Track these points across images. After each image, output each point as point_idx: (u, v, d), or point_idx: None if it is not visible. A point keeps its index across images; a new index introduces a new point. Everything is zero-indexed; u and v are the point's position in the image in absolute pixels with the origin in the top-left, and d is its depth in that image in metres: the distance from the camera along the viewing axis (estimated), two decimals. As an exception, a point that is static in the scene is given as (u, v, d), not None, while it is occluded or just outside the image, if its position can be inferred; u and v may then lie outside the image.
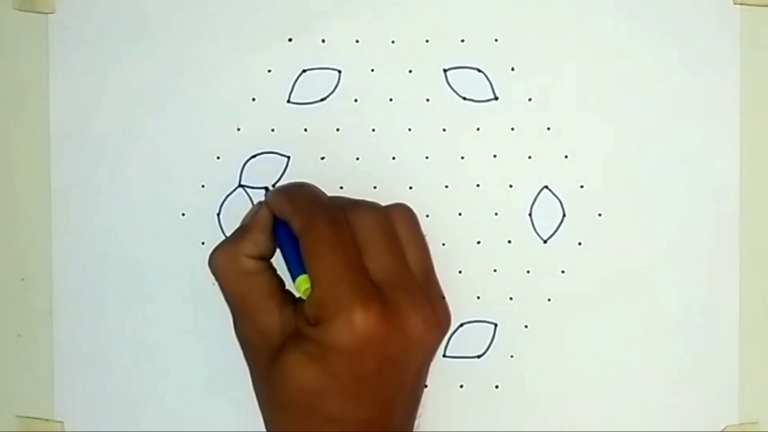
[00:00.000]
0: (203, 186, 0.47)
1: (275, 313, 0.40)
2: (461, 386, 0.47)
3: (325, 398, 0.39)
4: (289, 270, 0.41)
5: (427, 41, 0.47)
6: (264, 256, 0.42)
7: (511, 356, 0.47)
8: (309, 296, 0.39)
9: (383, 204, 0.43)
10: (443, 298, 0.43)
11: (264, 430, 0.42)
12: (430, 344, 0.40)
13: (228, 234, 0.47)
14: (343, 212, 0.41)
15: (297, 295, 0.41)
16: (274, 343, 0.40)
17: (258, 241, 0.42)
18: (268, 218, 0.42)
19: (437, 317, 0.40)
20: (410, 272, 0.40)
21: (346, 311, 0.38)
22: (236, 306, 0.41)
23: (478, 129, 0.47)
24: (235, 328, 0.42)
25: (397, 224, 0.41)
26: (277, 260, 0.42)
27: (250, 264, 0.41)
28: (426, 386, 0.43)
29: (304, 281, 0.40)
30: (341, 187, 0.47)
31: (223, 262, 0.41)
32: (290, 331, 0.40)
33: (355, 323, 0.38)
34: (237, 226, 0.46)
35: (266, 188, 0.47)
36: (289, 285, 0.42)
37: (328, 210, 0.41)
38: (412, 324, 0.39)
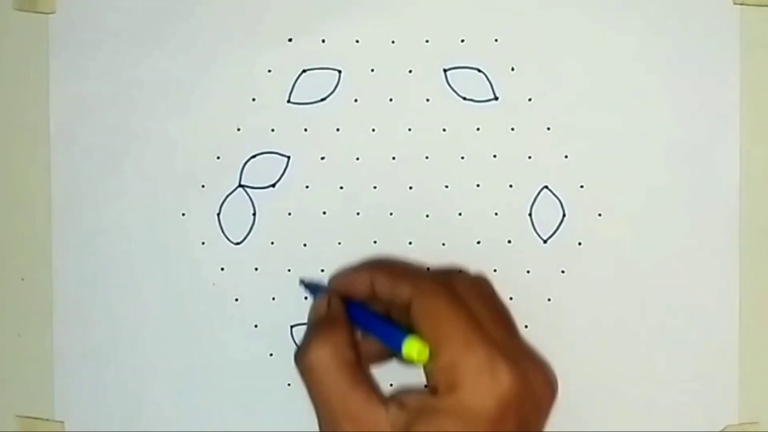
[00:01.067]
0: (203, 186, 0.47)
1: (381, 409, 0.37)
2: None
3: None
4: (389, 341, 0.39)
5: (427, 41, 0.47)
6: (356, 347, 0.39)
7: (511, 356, 0.47)
8: (433, 361, 0.37)
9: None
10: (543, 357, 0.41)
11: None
12: (551, 403, 0.39)
13: (228, 234, 0.47)
14: (445, 276, 0.40)
15: (405, 357, 0.38)
16: None
17: (351, 328, 0.40)
18: (342, 306, 0.41)
19: (554, 375, 0.39)
20: (518, 334, 0.40)
21: (491, 373, 0.36)
22: (338, 406, 0.38)
23: (478, 129, 0.47)
24: (330, 430, 0.38)
25: (488, 291, 0.41)
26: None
27: (352, 355, 0.38)
28: None
29: (415, 343, 0.37)
30: (341, 187, 0.47)
31: (324, 357, 0.38)
32: (403, 424, 0.37)
33: (502, 383, 0.36)
34: (238, 225, 0.47)
35: (304, 282, 0.47)
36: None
37: (432, 275, 0.40)
38: (539, 384, 0.38)
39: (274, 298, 0.47)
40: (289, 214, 0.47)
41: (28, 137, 0.48)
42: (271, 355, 0.48)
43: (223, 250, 0.47)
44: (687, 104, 0.47)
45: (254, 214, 0.47)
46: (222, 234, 0.47)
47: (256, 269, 0.47)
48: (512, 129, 0.47)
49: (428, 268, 0.46)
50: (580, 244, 0.47)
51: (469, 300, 0.39)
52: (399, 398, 0.38)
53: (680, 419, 0.48)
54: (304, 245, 0.47)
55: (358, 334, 0.41)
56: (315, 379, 0.38)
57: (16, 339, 0.48)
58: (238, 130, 0.47)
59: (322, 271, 0.47)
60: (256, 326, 0.48)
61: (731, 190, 0.47)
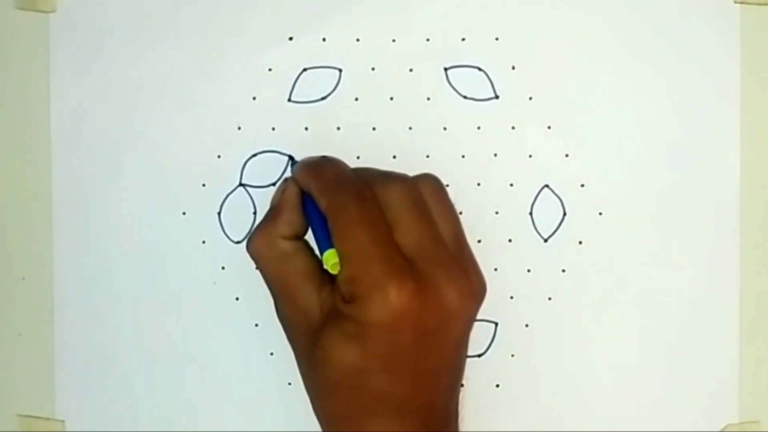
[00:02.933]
0: (204, 185, 0.47)
1: (314, 293, 0.40)
2: (462, 385, 0.47)
3: (367, 376, 0.38)
4: (317, 243, 0.41)
5: (427, 40, 0.47)
6: (299, 235, 0.42)
7: (512, 355, 0.47)
8: (340, 273, 0.39)
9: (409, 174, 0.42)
10: (476, 265, 0.42)
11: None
12: (467, 314, 0.40)
13: (229, 232, 0.47)
14: (370, 187, 0.40)
15: (324, 266, 0.40)
16: (315, 323, 0.40)
17: (291, 220, 0.42)
18: (296, 195, 0.42)
19: (472, 286, 0.40)
20: (443, 243, 0.40)
21: (380, 288, 0.38)
22: (276, 289, 0.41)
23: (478, 128, 0.47)
24: (277, 311, 0.42)
25: (426, 195, 0.41)
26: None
27: (287, 245, 0.41)
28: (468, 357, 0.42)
29: (331, 256, 0.39)
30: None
31: (260, 246, 0.41)
32: (328, 311, 0.40)
33: (391, 299, 0.37)
34: (238, 224, 0.47)
35: (290, 157, 0.47)
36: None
37: (355, 186, 0.40)
38: (448, 295, 0.39)
39: (274, 297, 0.47)
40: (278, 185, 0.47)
41: (28, 136, 0.48)
42: (271, 354, 0.48)
43: (224, 249, 0.47)
44: (687, 104, 0.47)
45: (255, 213, 0.47)
46: (223, 233, 0.47)
47: (257, 268, 0.47)
48: (513, 128, 0.47)
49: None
50: (580, 243, 0.47)
51: (391, 208, 0.40)
52: (334, 284, 0.40)
53: (680, 419, 0.48)
54: (305, 244, 0.47)
55: None
56: (257, 264, 0.42)
57: (16, 338, 0.48)
58: (239, 129, 0.47)
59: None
60: (256, 325, 0.48)
61: (731, 190, 0.47)
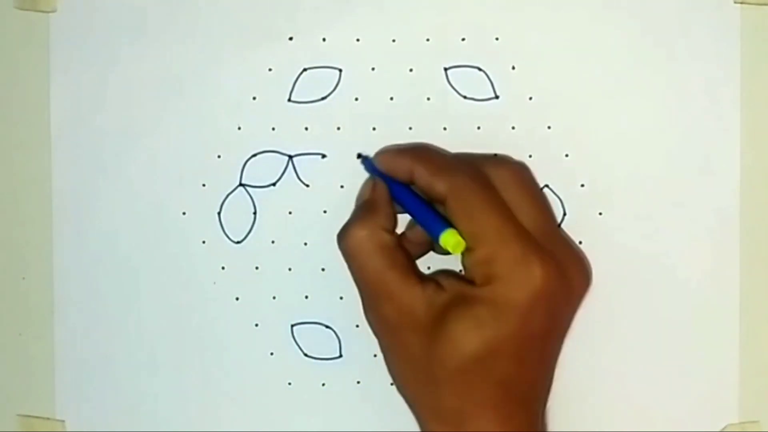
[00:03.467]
0: (204, 185, 0.47)
1: (419, 288, 0.39)
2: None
3: (497, 362, 0.38)
4: (430, 229, 0.40)
5: (427, 40, 0.47)
6: (395, 229, 0.41)
7: (512, 355, 0.47)
8: (470, 254, 0.38)
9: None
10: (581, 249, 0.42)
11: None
12: (584, 293, 0.40)
13: (229, 232, 0.47)
14: (483, 169, 0.40)
15: (442, 248, 0.39)
16: (423, 320, 0.39)
17: (389, 213, 0.41)
18: (387, 189, 0.42)
19: (589, 266, 0.40)
20: (556, 223, 0.41)
21: (526, 266, 0.37)
22: (375, 285, 0.40)
23: (478, 128, 0.47)
24: (370, 312, 0.41)
25: (531, 178, 0.42)
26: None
27: (389, 238, 0.40)
28: None
29: (452, 235, 0.38)
30: (342, 186, 0.47)
31: (361, 240, 0.40)
32: (442, 305, 0.39)
33: (536, 278, 0.37)
34: (238, 224, 0.47)
35: (359, 154, 0.46)
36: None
37: (470, 167, 0.40)
38: (575, 277, 0.39)
39: (274, 297, 0.47)
40: (290, 213, 0.47)
41: (28, 136, 0.48)
42: (271, 354, 0.48)
43: (224, 249, 0.47)
44: (687, 104, 0.47)
45: (255, 213, 0.47)
46: (223, 233, 0.47)
47: (257, 268, 0.47)
48: (513, 128, 0.47)
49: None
50: (580, 243, 0.47)
51: (505, 190, 0.40)
52: (437, 279, 0.40)
53: (680, 418, 0.48)
54: (305, 244, 0.47)
55: (410, 222, 0.43)
56: (353, 261, 0.40)
57: (17, 338, 0.48)
58: (239, 128, 0.47)
59: (323, 270, 0.47)
60: (256, 325, 0.48)
61: (731, 190, 0.47)
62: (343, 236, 0.40)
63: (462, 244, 0.38)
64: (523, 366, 0.38)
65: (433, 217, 0.40)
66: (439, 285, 0.39)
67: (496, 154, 0.44)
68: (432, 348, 0.38)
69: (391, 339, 0.40)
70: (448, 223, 0.39)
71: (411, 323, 0.39)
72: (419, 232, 0.42)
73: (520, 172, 0.41)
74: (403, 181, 0.42)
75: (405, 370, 0.40)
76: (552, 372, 0.41)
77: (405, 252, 0.41)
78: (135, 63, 0.47)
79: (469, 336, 0.38)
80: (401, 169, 0.42)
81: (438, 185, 0.40)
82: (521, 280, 0.37)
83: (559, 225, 0.43)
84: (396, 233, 0.41)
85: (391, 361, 0.41)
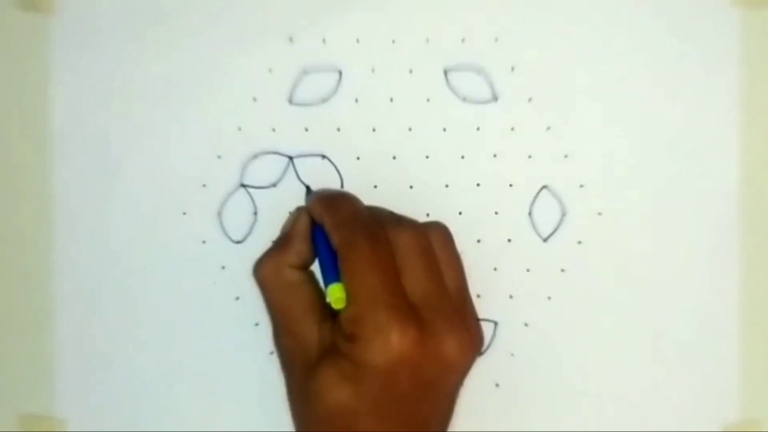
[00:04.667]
0: (204, 185, 0.48)
1: (314, 326, 0.41)
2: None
3: (358, 418, 0.39)
4: (323, 274, 0.41)
5: (427, 41, 0.47)
6: (306, 265, 0.42)
7: (512, 354, 0.48)
8: (344, 310, 0.39)
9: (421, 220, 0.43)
10: (477, 318, 0.42)
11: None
12: (464, 366, 0.40)
13: (229, 233, 0.47)
14: (382, 229, 0.41)
15: (327, 300, 0.41)
16: (312, 357, 0.40)
17: (300, 250, 0.42)
18: (308, 225, 0.43)
19: (472, 339, 0.40)
20: (447, 293, 0.40)
21: (384, 332, 0.38)
22: (277, 318, 0.42)
23: (478, 128, 0.47)
24: (275, 339, 0.42)
25: (434, 243, 0.41)
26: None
27: (294, 275, 0.42)
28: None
29: (337, 290, 0.40)
30: (341, 187, 0.47)
31: (268, 273, 0.42)
32: (327, 346, 0.40)
33: (392, 345, 0.38)
34: (239, 225, 0.47)
35: (307, 187, 0.47)
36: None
37: (369, 226, 0.41)
38: (448, 347, 0.39)
39: (274, 297, 0.48)
40: (290, 213, 0.47)
41: (29, 137, 0.48)
42: (271, 353, 0.48)
43: (224, 249, 0.47)
44: (686, 104, 0.47)
45: (255, 214, 0.47)
46: (223, 233, 0.47)
47: (262, 295, 0.47)
48: (512, 129, 0.47)
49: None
50: (580, 243, 0.47)
51: (401, 254, 0.40)
52: (335, 321, 0.40)
53: (680, 418, 0.48)
54: (305, 244, 0.47)
55: None
56: (261, 291, 0.42)
57: (17, 337, 0.48)
58: (239, 129, 0.47)
59: (323, 270, 0.47)
60: (256, 325, 0.48)
61: (731, 191, 0.47)
62: (255, 267, 0.42)
63: (342, 301, 0.39)
64: (387, 426, 0.39)
65: (330, 268, 0.41)
66: (333, 327, 0.40)
67: (401, 217, 0.44)
68: (306, 389, 0.40)
69: (284, 369, 0.42)
70: (337, 277, 0.40)
71: (301, 359, 0.41)
72: None
73: (418, 236, 0.41)
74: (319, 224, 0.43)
75: (291, 403, 0.42)
76: (436, 429, 0.41)
77: (313, 288, 0.42)
78: (135, 64, 0.47)
79: (331, 388, 0.39)
80: (316, 214, 0.42)
81: (334, 237, 0.41)
82: (379, 344, 0.38)
83: (461, 293, 0.42)
84: (306, 269, 0.42)
85: (287, 391, 0.42)
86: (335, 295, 0.40)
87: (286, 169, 0.47)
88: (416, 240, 0.41)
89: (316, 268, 0.43)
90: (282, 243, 0.43)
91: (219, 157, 0.47)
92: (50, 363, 0.48)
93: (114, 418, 0.48)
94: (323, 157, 0.47)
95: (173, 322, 0.48)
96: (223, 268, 0.48)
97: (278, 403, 0.47)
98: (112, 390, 0.48)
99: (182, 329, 0.48)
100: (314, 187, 0.47)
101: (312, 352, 0.40)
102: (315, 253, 0.43)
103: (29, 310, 0.48)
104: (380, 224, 0.41)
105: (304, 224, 0.43)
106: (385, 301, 0.38)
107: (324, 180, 0.47)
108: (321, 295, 0.42)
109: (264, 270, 0.42)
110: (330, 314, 0.41)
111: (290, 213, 0.45)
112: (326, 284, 0.41)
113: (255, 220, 0.47)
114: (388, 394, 0.38)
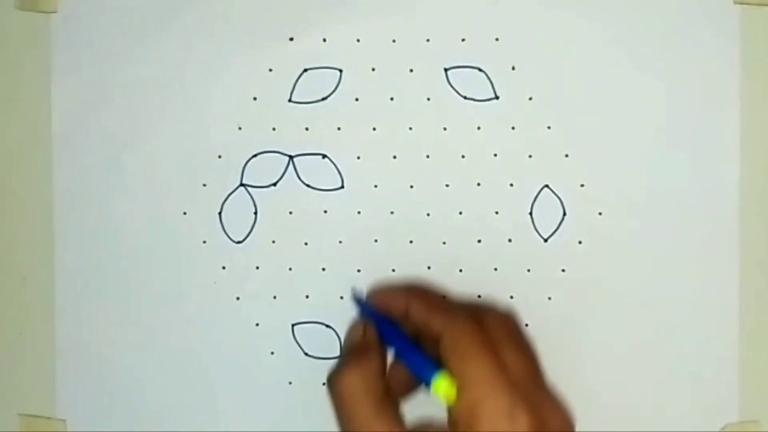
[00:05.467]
0: (205, 185, 0.47)
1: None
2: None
3: None
4: (420, 372, 0.39)
5: (427, 40, 0.47)
6: (385, 374, 0.40)
7: (512, 355, 0.47)
8: (457, 400, 0.37)
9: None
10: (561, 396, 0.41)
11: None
12: None
13: (230, 232, 0.47)
14: (475, 311, 0.40)
15: (433, 395, 0.38)
16: None
17: (381, 357, 0.40)
18: (376, 332, 0.41)
19: (571, 415, 0.39)
20: (541, 373, 0.40)
21: (511, 419, 0.36)
22: (359, 427, 0.39)
23: (478, 128, 0.47)
24: None
25: (516, 326, 0.41)
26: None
27: (380, 384, 0.39)
28: None
29: (443, 381, 0.38)
30: (342, 186, 0.47)
31: (355, 385, 0.39)
32: None
33: (520, 427, 0.36)
34: (239, 224, 0.47)
35: (355, 294, 0.46)
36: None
37: (464, 308, 0.40)
38: (556, 425, 0.38)
39: (275, 297, 0.48)
40: (290, 213, 0.47)
41: (29, 136, 0.48)
42: (272, 353, 0.48)
43: (225, 249, 0.47)
44: (687, 104, 0.47)
45: (255, 213, 0.47)
46: (223, 233, 0.47)
47: (257, 268, 0.47)
48: (513, 128, 0.47)
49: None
50: (580, 243, 0.47)
51: (497, 338, 0.39)
52: (420, 430, 0.39)
53: (680, 418, 0.48)
54: (305, 244, 0.47)
55: (390, 357, 0.42)
56: (343, 405, 0.39)
57: (18, 337, 0.48)
58: (240, 129, 0.47)
59: (323, 269, 0.47)
60: (257, 325, 0.48)
61: (731, 190, 0.47)
62: (335, 380, 0.39)
63: (454, 390, 0.37)
64: None
65: (423, 359, 0.39)
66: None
67: (479, 302, 0.44)
68: None
69: None
70: (437, 366, 0.39)
71: None
72: (403, 372, 0.41)
73: (508, 318, 0.41)
74: (397, 318, 0.42)
75: None
76: None
77: (393, 398, 0.40)
78: (136, 63, 0.47)
79: None
80: (397, 305, 0.41)
81: (435, 321, 0.40)
82: (504, 427, 0.36)
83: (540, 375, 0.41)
84: (385, 378, 0.40)
85: None
86: (443, 385, 0.37)
87: (286, 169, 0.47)
88: (503, 322, 0.40)
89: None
90: (361, 352, 0.40)
91: (219, 156, 0.47)
92: (51, 363, 0.48)
93: (114, 418, 0.48)
94: (323, 156, 0.47)
95: (173, 322, 0.48)
96: (224, 268, 0.48)
97: (278, 403, 0.48)
98: (112, 390, 0.48)
99: (182, 329, 0.48)
100: (314, 186, 0.47)
101: None
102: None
103: (30, 310, 0.48)
104: (470, 307, 0.40)
105: (374, 330, 0.41)
106: (506, 386, 0.37)
107: (324, 179, 0.47)
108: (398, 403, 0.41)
109: (349, 382, 0.39)
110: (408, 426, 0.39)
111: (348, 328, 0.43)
112: (427, 378, 0.38)
113: (255, 219, 0.47)
114: None
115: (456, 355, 0.38)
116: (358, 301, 0.45)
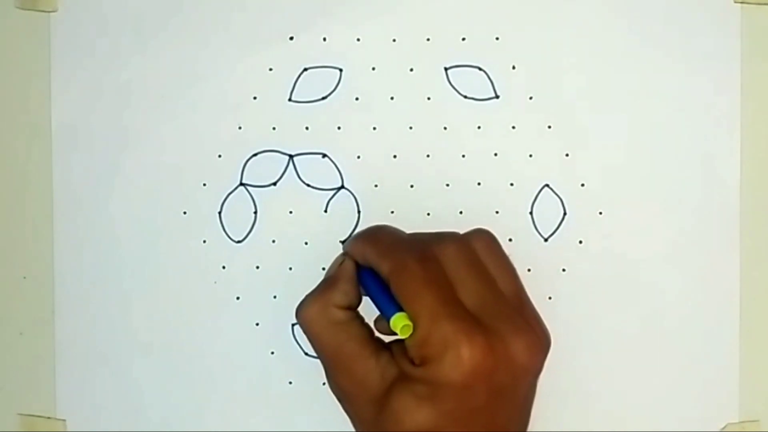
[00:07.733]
0: (204, 184, 0.47)
1: (372, 360, 0.40)
2: None
3: None
4: (383, 312, 0.40)
5: (428, 40, 0.47)
6: (352, 306, 0.41)
7: (512, 354, 0.47)
8: (411, 336, 0.39)
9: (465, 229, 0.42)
10: (540, 318, 0.41)
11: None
12: (535, 367, 0.40)
13: (230, 232, 0.47)
14: (428, 248, 0.40)
15: (395, 334, 0.40)
16: (375, 391, 0.39)
17: (346, 290, 0.41)
18: (352, 268, 0.42)
19: (539, 338, 0.39)
20: (504, 297, 0.40)
21: (452, 348, 0.37)
22: (330, 358, 0.41)
23: (479, 127, 0.47)
24: (329, 380, 0.41)
25: (481, 251, 0.41)
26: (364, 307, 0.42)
27: (341, 314, 0.41)
28: None
29: (401, 318, 0.39)
30: (342, 186, 0.47)
31: (313, 313, 0.41)
32: (392, 377, 0.39)
33: (463, 358, 0.37)
34: (239, 224, 0.47)
35: (343, 241, 0.47)
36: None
37: (413, 248, 0.40)
38: (517, 350, 0.38)
39: (275, 297, 0.48)
40: (290, 212, 0.47)
41: (29, 135, 0.48)
42: (272, 353, 0.48)
43: (225, 249, 0.47)
44: (687, 104, 0.47)
45: (255, 213, 0.47)
46: (223, 232, 0.47)
47: (257, 267, 0.47)
48: (513, 127, 0.47)
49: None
50: (580, 242, 0.47)
51: (451, 267, 0.40)
52: (393, 350, 0.40)
53: (680, 418, 0.48)
54: (305, 243, 0.47)
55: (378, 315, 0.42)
56: (307, 333, 0.41)
57: (17, 337, 0.48)
58: (240, 128, 0.47)
59: (323, 269, 0.47)
60: (257, 324, 0.48)
61: (731, 190, 0.47)
62: (298, 310, 0.41)
63: (410, 327, 0.39)
64: None
65: (386, 300, 0.40)
66: (391, 356, 0.40)
67: (442, 233, 0.43)
68: (380, 420, 0.39)
69: (348, 406, 0.41)
70: (400, 307, 0.40)
71: (365, 394, 0.40)
72: (383, 321, 0.42)
73: (463, 247, 0.41)
74: (363, 264, 0.42)
75: None
76: None
77: (362, 324, 0.41)
78: (136, 63, 0.47)
79: (409, 412, 0.38)
80: (357, 253, 0.42)
81: (383, 266, 0.40)
82: (451, 360, 0.37)
83: (518, 293, 0.41)
84: (352, 309, 0.41)
85: (352, 424, 0.41)
86: (401, 323, 0.39)
87: (286, 168, 0.47)
88: (462, 251, 0.40)
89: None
90: (327, 285, 0.42)
91: (219, 156, 0.47)
92: (51, 363, 0.48)
93: (114, 418, 0.48)
94: (323, 155, 0.47)
95: (173, 322, 0.48)
96: (224, 267, 0.48)
97: (278, 402, 0.48)
98: (112, 390, 0.48)
99: (182, 329, 0.48)
100: (314, 186, 0.47)
101: (375, 386, 0.39)
102: (362, 295, 0.42)
103: (30, 310, 0.48)
104: (424, 244, 0.41)
105: (348, 266, 0.42)
106: (446, 315, 0.38)
107: (324, 179, 0.47)
108: (370, 330, 0.41)
109: (309, 311, 0.41)
110: (383, 346, 0.41)
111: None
112: (388, 318, 0.40)
113: (255, 219, 0.47)
114: (466, 408, 0.38)
115: (402, 296, 0.39)
116: (344, 244, 0.46)
